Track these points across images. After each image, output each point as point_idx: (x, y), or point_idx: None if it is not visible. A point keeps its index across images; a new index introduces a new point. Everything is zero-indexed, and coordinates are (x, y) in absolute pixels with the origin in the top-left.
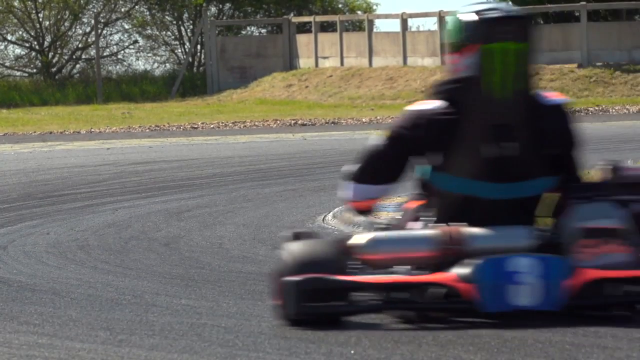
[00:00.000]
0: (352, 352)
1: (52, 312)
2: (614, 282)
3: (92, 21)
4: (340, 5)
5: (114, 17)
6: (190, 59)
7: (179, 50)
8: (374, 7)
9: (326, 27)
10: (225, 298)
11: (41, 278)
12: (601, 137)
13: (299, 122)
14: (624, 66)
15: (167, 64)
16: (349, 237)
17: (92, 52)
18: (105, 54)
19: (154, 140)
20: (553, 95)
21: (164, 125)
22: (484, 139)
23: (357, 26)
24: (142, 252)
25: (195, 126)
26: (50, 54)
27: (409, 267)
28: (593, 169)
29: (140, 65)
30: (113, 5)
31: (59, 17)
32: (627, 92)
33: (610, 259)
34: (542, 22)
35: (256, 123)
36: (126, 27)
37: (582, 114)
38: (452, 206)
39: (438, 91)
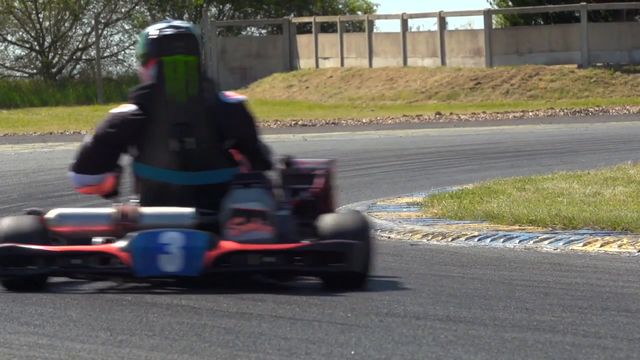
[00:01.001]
0: (353, 352)
1: (52, 313)
2: (253, 254)
3: (93, 22)
4: (340, 6)
5: (114, 17)
6: None
7: None
8: (374, 7)
9: (326, 28)
10: (225, 298)
11: None
12: (601, 138)
13: (300, 122)
14: (624, 66)
15: None
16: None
17: (93, 53)
18: (105, 54)
19: None
20: (232, 95)
21: None
22: (169, 135)
23: (357, 27)
24: None
25: None
26: (51, 55)
27: (104, 238)
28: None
29: None
30: (113, 6)
31: (59, 17)
32: (627, 93)
33: (254, 235)
34: (542, 22)
35: None
36: (126, 27)
37: (582, 114)
38: (151, 191)
39: (130, 97)
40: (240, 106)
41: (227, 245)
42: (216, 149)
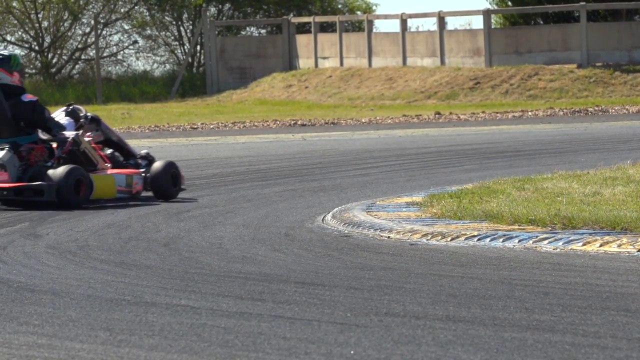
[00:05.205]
0: (352, 352)
1: (51, 313)
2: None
3: (92, 22)
4: (339, 6)
5: (113, 17)
6: (190, 60)
7: (179, 51)
8: (374, 7)
9: (326, 28)
10: (225, 298)
11: (41, 278)
12: (600, 138)
13: (299, 122)
14: (624, 66)
15: (166, 65)
16: None
17: (92, 53)
18: (104, 54)
19: (153, 140)
20: (29, 96)
21: (163, 126)
22: None
23: (356, 27)
24: (142, 252)
25: (195, 126)
26: (50, 55)
27: None
28: None
29: (140, 65)
30: (113, 6)
31: (58, 17)
32: (626, 92)
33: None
34: (541, 22)
35: (256, 123)
36: (126, 27)
37: (582, 114)
38: None
39: None
40: (30, 103)
41: None
42: (11, 125)
